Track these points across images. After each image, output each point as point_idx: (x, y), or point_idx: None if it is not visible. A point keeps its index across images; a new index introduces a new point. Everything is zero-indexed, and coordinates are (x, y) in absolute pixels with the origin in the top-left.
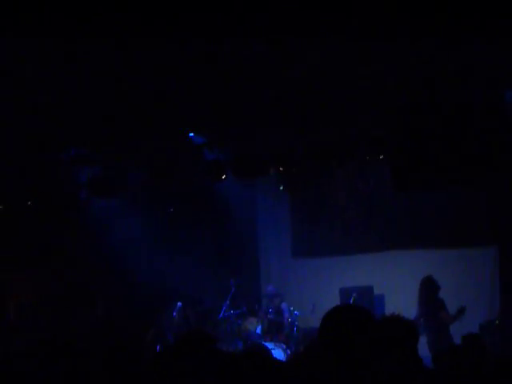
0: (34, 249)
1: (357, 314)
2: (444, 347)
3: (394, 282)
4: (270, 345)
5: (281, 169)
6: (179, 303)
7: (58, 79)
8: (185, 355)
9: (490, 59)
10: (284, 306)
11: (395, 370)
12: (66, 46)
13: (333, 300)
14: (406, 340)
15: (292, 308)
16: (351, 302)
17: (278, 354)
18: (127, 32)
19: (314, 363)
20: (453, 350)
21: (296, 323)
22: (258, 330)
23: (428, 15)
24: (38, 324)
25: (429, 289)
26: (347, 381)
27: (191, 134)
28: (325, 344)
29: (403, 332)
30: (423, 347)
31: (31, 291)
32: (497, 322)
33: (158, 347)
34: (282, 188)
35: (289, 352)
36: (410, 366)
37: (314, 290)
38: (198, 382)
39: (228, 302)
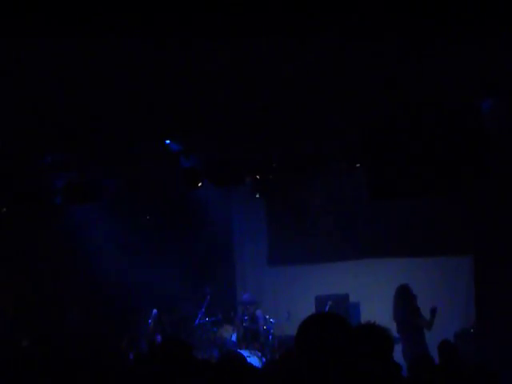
0: (9, 254)
1: (333, 322)
2: (419, 355)
3: (370, 289)
4: (245, 352)
5: (257, 176)
6: (154, 310)
7: (34, 85)
8: (160, 362)
9: (467, 68)
10: (259, 313)
11: (371, 377)
12: (41, 52)
13: (308, 308)
14: (382, 348)
15: (267, 316)
16: (327, 309)
17: (254, 361)
18: (101, 36)
19: (289, 371)
20: (428, 358)
21: (271, 331)
22: (234, 338)
23: (403, 24)
24: (12, 329)
25: (404, 297)
26: None
27: (167, 142)
28: (301, 352)
29: (378, 340)
30: (398, 355)
31: (4, 296)
32: (472, 330)
33: (132, 355)
34: (258, 196)
35: (264, 360)
36: (386, 373)
37: (289, 297)
38: None
39: (203, 309)
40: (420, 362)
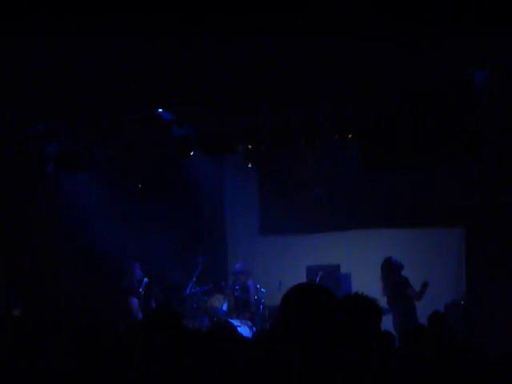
0: None
1: (317, 293)
2: (409, 325)
3: (361, 260)
4: (236, 322)
5: (249, 146)
6: (145, 279)
7: (25, 53)
8: (151, 331)
9: (459, 39)
10: (250, 283)
11: (357, 348)
12: (33, 20)
13: (299, 278)
14: (369, 318)
15: (258, 285)
16: (317, 280)
17: (244, 331)
18: (96, 8)
19: (278, 341)
20: (418, 329)
21: (262, 301)
22: (224, 307)
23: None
24: (4, 298)
25: (390, 270)
26: (309, 359)
27: (160, 110)
28: (285, 323)
29: (365, 310)
30: (389, 327)
31: None
32: (462, 302)
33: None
34: (250, 165)
35: (255, 329)
36: (373, 343)
37: (280, 267)
38: (165, 358)
39: (194, 278)
40: (411, 332)
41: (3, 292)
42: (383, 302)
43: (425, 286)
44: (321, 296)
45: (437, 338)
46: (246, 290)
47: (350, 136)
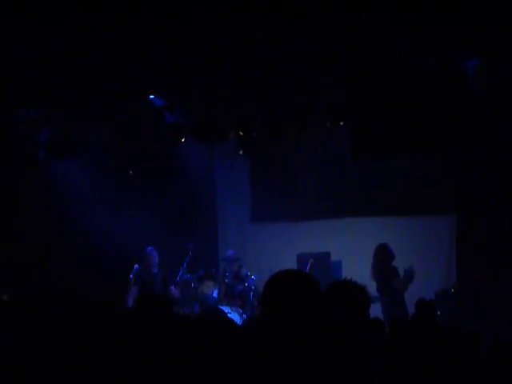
0: None
1: (298, 279)
2: (397, 313)
3: (352, 248)
4: (226, 309)
5: (241, 133)
6: (136, 265)
7: (16, 38)
8: (142, 317)
9: (452, 28)
10: (244, 271)
11: (345, 334)
12: (25, 8)
13: (290, 265)
14: (357, 304)
15: (249, 273)
16: (308, 267)
17: (234, 318)
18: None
19: (265, 328)
20: (405, 316)
21: (253, 288)
22: (215, 294)
23: None
24: None
25: (382, 256)
26: (297, 345)
27: (151, 97)
28: (267, 310)
29: (354, 296)
30: (378, 314)
31: None
32: (452, 290)
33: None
34: (241, 152)
35: (245, 316)
36: (360, 330)
37: (271, 255)
38: (155, 344)
39: (185, 265)
40: (398, 319)
41: None
42: (373, 288)
43: (410, 276)
44: (302, 282)
45: (423, 324)
46: (238, 278)
47: (341, 123)
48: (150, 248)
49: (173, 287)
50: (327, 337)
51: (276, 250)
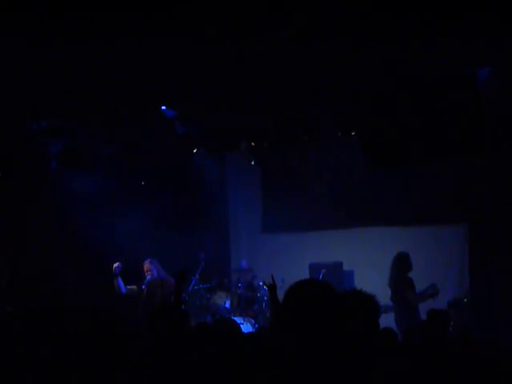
0: (2, 220)
1: (317, 289)
2: (410, 324)
3: (364, 258)
4: (239, 319)
5: (252, 143)
6: (149, 276)
7: (29, 49)
8: (157, 327)
9: (463, 37)
10: (257, 282)
11: (354, 343)
12: (37, 17)
13: (302, 275)
14: (367, 314)
15: (261, 283)
16: (320, 277)
17: (247, 328)
18: (98, 6)
19: (277, 337)
20: (419, 326)
21: (265, 298)
22: (227, 305)
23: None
24: (6, 295)
25: (400, 266)
26: (310, 353)
27: (163, 107)
28: (286, 318)
29: (364, 306)
30: (392, 324)
31: None
32: (465, 299)
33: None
34: (253, 163)
35: (257, 326)
36: (370, 340)
37: (283, 265)
38: (169, 354)
39: (197, 275)
40: (412, 330)
41: (6, 290)
42: (387, 297)
43: (430, 294)
44: (321, 291)
45: (435, 334)
46: (251, 288)
47: (352, 133)
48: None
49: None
50: (339, 346)
51: (288, 259)
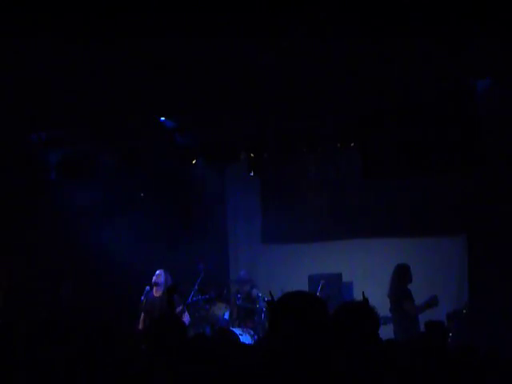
0: (2, 230)
1: (306, 300)
2: (408, 336)
3: (363, 269)
4: (237, 330)
5: (252, 155)
6: (147, 287)
7: (30, 60)
8: (156, 339)
9: (462, 48)
10: (256, 292)
11: (354, 354)
12: (35, 26)
13: (301, 286)
14: (366, 325)
15: (260, 294)
16: (319, 288)
17: (246, 339)
18: (96, 18)
19: (275, 349)
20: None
21: (264, 309)
22: (226, 316)
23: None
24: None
25: (399, 277)
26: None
27: (162, 118)
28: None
29: (363, 317)
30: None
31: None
32: (464, 311)
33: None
34: (252, 174)
35: (256, 337)
36: (368, 350)
37: (282, 276)
38: (167, 365)
39: (196, 287)
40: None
41: (5, 299)
42: (386, 309)
43: (430, 305)
44: (309, 303)
45: (433, 346)
46: (250, 299)
47: (352, 144)
48: (159, 271)
49: (179, 309)
50: (335, 358)
51: (287, 271)
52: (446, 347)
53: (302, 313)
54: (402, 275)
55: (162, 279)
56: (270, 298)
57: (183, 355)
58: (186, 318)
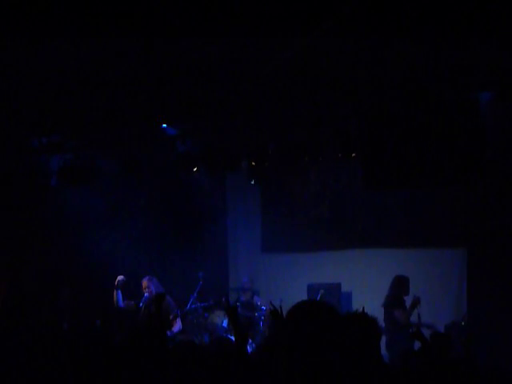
0: (1, 236)
1: (320, 310)
2: (399, 346)
3: (362, 279)
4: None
5: (253, 163)
6: (146, 294)
7: (29, 66)
8: (149, 347)
9: (465, 61)
10: (257, 300)
11: (355, 366)
12: (39, 33)
13: (300, 296)
14: (367, 337)
15: (259, 303)
16: (318, 298)
17: None
18: (96, 23)
19: (278, 357)
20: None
21: (262, 318)
22: (225, 324)
23: (401, 13)
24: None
25: (396, 288)
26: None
27: (164, 126)
28: (287, 338)
29: (364, 329)
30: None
31: None
32: (462, 323)
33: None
34: (253, 182)
35: (254, 346)
36: (371, 362)
37: (282, 285)
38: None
39: (195, 294)
40: (412, 353)
41: (3, 305)
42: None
43: (414, 304)
44: (323, 313)
45: (438, 357)
46: (250, 307)
47: (353, 155)
48: (144, 280)
49: (172, 317)
50: (341, 368)
51: (287, 280)
52: (448, 359)
53: (319, 321)
54: (398, 286)
55: (149, 289)
56: (271, 308)
57: (160, 363)
58: (178, 325)
